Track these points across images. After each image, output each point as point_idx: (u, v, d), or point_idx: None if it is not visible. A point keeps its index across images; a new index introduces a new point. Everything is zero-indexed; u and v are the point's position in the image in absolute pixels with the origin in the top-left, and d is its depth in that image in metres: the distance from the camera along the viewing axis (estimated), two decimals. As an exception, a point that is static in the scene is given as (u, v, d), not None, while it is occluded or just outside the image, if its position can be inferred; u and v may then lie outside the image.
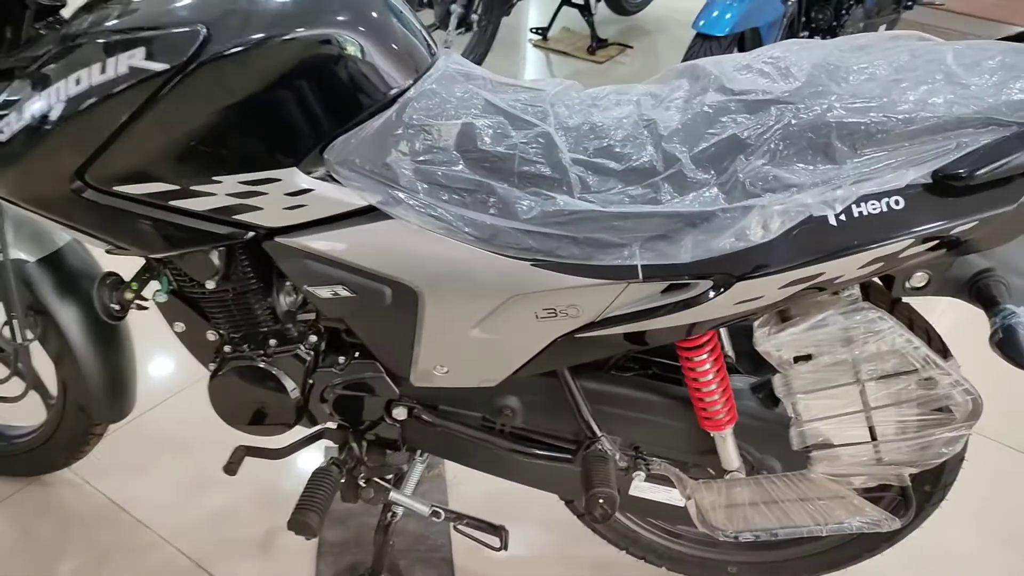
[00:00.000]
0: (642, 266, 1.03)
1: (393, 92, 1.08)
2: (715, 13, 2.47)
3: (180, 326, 1.31)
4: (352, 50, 1.05)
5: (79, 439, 1.56)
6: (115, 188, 1.09)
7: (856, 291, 1.09)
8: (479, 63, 3.58)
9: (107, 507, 1.65)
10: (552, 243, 1.04)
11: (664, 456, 1.30)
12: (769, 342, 1.09)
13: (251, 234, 1.14)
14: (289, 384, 1.27)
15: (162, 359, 2.04)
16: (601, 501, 1.15)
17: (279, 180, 1.08)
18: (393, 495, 1.35)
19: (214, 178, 1.08)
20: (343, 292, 1.16)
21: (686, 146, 1.02)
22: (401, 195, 1.06)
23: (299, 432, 1.37)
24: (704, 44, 2.42)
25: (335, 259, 1.13)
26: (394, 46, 1.10)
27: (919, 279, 1.08)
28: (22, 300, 1.37)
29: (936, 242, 0.98)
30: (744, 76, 1.06)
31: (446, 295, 1.13)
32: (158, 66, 1.00)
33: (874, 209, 0.97)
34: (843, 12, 3.03)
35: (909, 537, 1.36)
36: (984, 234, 0.99)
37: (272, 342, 1.27)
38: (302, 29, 1.03)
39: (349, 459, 1.35)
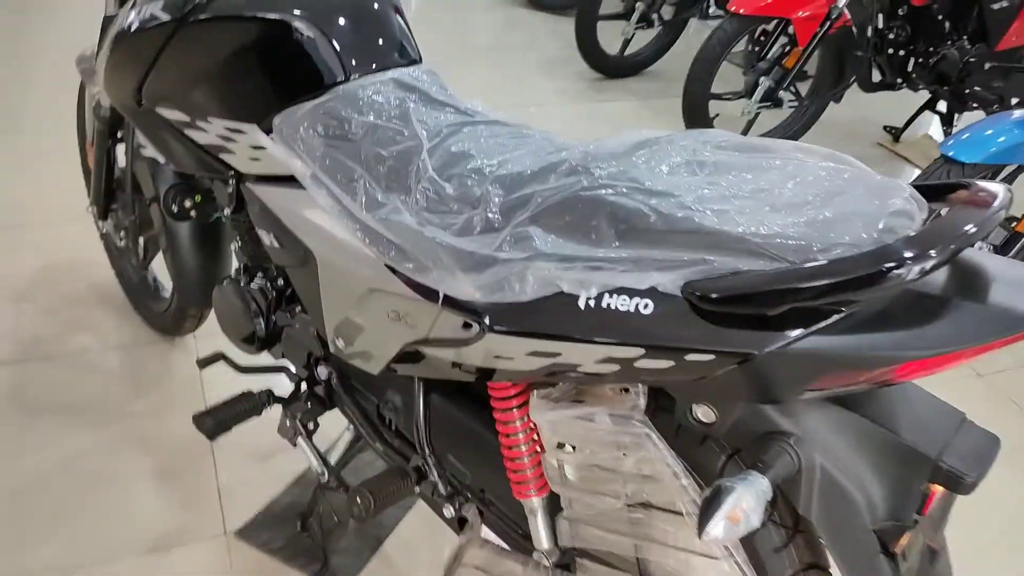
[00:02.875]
0: (444, 294, 1.06)
1: (337, 81, 1.23)
2: (987, 132, 2.10)
3: (236, 244, 1.60)
4: (306, 39, 1.22)
5: (179, 318, 1.96)
6: (156, 108, 1.40)
7: (640, 397, 0.98)
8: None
9: (192, 377, 2.03)
10: (393, 248, 1.11)
11: (503, 510, 1.27)
12: (542, 415, 1.03)
13: (232, 172, 1.37)
14: (254, 313, 1.48)
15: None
16: (359, 500, 1.18)
17: (245, 133, 1.29)
18: (300, 440, 1.50)
19: (208, 118, 1.33)
20: (274, 242, 1.34)
21: (505, 191, 1.02)
22: (309, 170, 1.21)
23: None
24: (944, 168, 2.08)
25: (271, 210, 1.32)
26: (350, 43, 1.24)
27: (705, 414, 0.94)
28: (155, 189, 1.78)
29: (672, 363, 0.87)
30: (619, 144, 1.02)
31: (332, 269, 1.25)
32: (164, 16, 1.29)
33: (622, 305, 0.89)
34: None
35: None
36: (733, 381, 0.85)
37: (259, 274, 1.50)
38: (268, 12, 1.23)
39: (292, 398, 1.53)
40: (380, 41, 1.28)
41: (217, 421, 1.45)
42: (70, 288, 2.30)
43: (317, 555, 1.62)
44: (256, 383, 1.59)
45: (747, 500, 0.82)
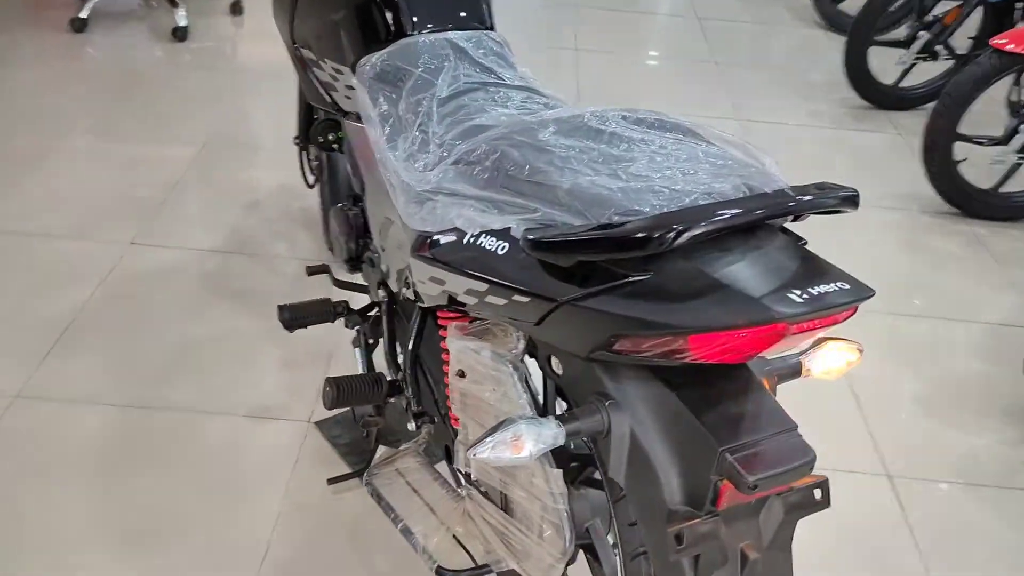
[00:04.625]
0: (408, 225, 1.21)
1: (407, 34, 1.41)
2: None
3: None
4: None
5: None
6: (300, 48, 1.68)
7: (520, 342, 1.05)
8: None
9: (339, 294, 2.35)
10: (391, 182, 1.28)
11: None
12: (451, 343, 1.14)
13: (338, 109, 1.62)
14: (347, 234, 1.73)
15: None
16: (327, 388, 1.36)
17: (343, 74, 1.53)
18: (356, 350, 1.72)
19: (324, 59, 1.59)
20: (351, 171, 1.57)
21: (461, 139, 1.14)
22: (369, 110, 1.41)
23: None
24: None
25: (351, 143, 1.54)
26: (422, 3, 1.41)
27: (557, 365, 1.00)
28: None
29: (506, 301, 0.94)
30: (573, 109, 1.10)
31: (371, 198, 1.45)
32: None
33: (489, 245, 0.99)
34: None
35: None
36: (553, 330, 0.91)
37: (359, 202, 1.74)
38: None
39: (358, 312, 1.76)
40: (449, 5, 1.44)
41: (293, 315, 1.72)
42: (286, 204, 2.75)
43: (366, 457, 1.84)
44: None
45: (526, 437, 0.89)
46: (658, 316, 0.79)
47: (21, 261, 2.41)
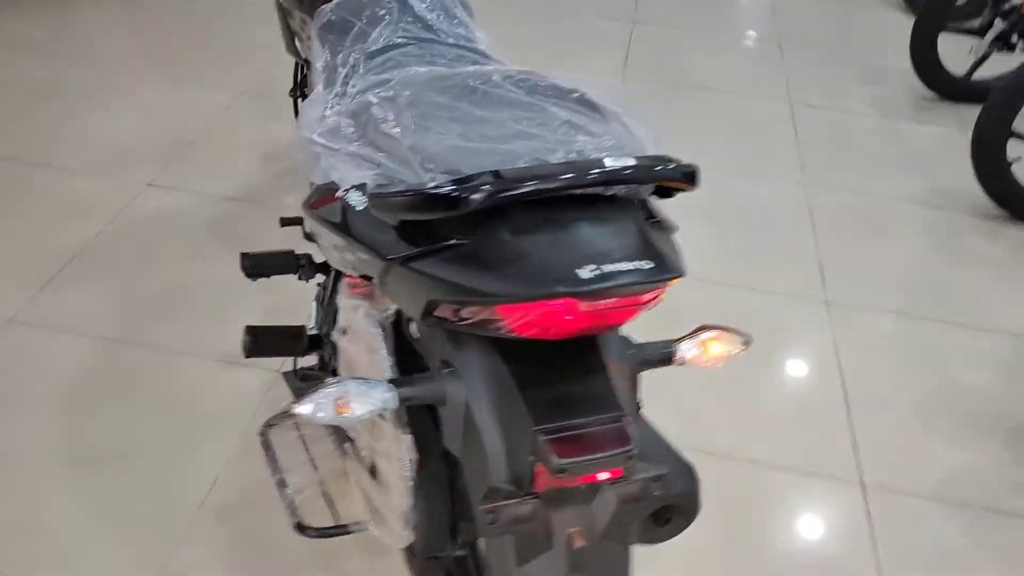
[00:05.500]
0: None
1: None
2: None
3: None
4: None
5: None
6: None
7: (391, 307, 1.03)
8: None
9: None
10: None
11: None
12: (340, 300, 1.12)
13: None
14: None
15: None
16: (244, 336, 1.37)
17: (308, 24, 1.52)
18: (313, 304, 1.72)
19: (295, 9, 1.58)
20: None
21: (367, 90, 1.11)
22: (316, 60, 1.40)
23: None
24: None
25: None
26: None
27: (415, 330, 0.98)
28: None
29: (355, 258, 0.92)
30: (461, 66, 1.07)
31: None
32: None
33: (352, 200, 0.97)
34: None
35: None
36: (393, 290, 0.88)
37: None
38: None
39: (318, 265, 1.75)
40: None
41: (254, 264, 1.72)
42: (303, 158, 2.77)
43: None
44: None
45: (353, 397, 0.87)
46: (465, 282, 0.76)
47: (39, 193, 2.50)
